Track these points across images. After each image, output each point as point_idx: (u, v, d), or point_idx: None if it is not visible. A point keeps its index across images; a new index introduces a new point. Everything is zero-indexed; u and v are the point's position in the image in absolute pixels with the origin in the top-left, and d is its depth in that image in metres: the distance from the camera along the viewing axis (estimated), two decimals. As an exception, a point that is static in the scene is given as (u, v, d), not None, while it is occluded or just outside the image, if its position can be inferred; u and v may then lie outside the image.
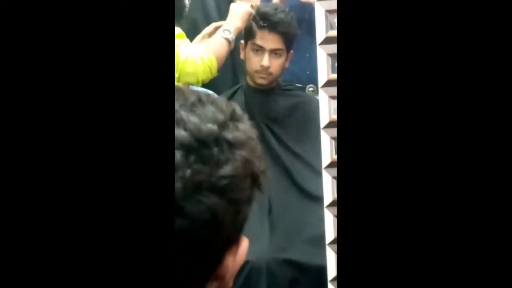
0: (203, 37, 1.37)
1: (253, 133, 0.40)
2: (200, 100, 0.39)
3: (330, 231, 1.01)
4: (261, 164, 0.40)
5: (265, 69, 1.21)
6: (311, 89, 1.37)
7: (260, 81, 1.24)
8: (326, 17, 0.96)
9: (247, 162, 0.38)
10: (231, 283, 0.42)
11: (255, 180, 0.39)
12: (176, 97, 0.40)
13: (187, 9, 1.42)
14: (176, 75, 1.22)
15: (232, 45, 1.28)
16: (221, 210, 0.36)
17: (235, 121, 0.39)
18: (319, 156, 1.02)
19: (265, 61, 1.20)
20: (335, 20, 0.95)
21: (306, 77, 1.46)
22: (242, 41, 1.34)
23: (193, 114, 0.37)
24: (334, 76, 0.98)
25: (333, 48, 0.97)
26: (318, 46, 0.98)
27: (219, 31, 1.28)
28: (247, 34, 1.29)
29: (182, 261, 0.38)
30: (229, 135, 0.37)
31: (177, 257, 0.37)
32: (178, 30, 1.25)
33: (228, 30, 1.26)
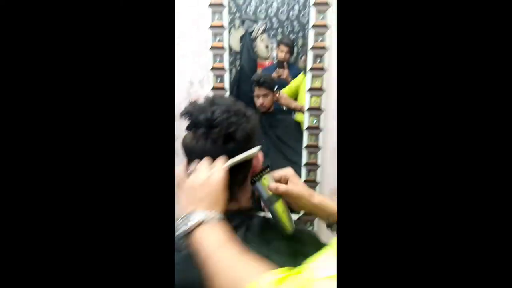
0: None
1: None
2: (213, 101, 0.76)
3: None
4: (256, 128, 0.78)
5: (261, 104, 2.21)
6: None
7: (262, 110, 2.16)
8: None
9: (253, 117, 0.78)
10: (259, 169, 0.79)
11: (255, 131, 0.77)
12: (198, 108, 0.74)
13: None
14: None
15: None
16: (252, 133, 0.74)
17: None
18: (298, 143, 2.01)
19: (259, 101, 2.21)
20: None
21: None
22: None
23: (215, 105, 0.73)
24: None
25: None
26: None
27: None
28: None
29: (244, 167, 0.71)
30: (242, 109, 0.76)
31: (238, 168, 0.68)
32: None
33: None
